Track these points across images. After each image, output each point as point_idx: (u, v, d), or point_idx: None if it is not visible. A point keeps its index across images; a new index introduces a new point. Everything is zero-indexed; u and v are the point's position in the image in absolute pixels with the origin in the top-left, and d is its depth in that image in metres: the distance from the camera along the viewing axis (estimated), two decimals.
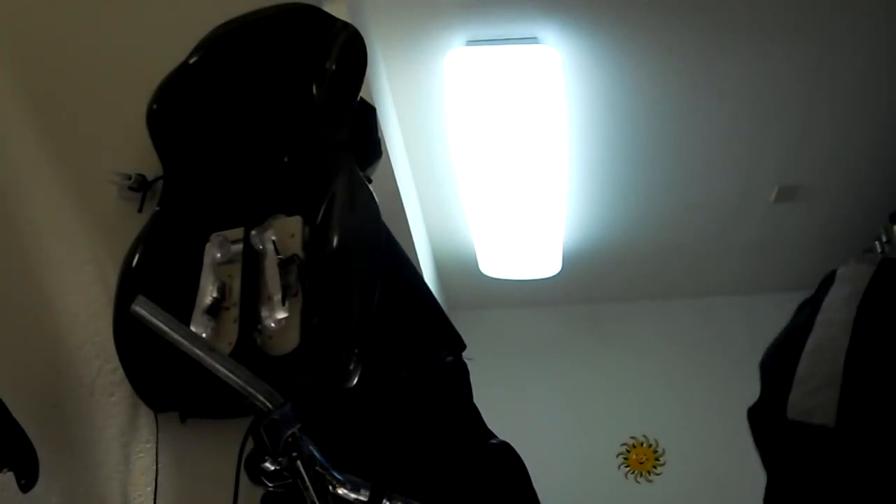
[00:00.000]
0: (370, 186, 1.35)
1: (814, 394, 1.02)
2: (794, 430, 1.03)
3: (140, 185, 1.50)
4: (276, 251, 1.32)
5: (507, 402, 4.11)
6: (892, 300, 1.06)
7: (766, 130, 3.24)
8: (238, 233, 1.37)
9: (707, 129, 3.23)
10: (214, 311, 1.33)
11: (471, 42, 2.74)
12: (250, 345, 1.29)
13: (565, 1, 2.61)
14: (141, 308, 1.12)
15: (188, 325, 1.30)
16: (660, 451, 4.41)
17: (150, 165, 1.50)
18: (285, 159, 1.41)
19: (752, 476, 1.16)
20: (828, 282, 1.18)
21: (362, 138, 1.43)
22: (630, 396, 4.47)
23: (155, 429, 1.41)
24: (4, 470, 1.19)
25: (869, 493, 0.99)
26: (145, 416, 1.43)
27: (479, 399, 1.36)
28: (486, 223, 3.67)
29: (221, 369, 1.10)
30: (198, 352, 1.10)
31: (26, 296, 1.51)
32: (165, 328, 1.12)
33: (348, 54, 1.43)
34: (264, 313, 1.30)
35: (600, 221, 3.81)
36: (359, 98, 1.44)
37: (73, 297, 1.50)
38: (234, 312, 1.32)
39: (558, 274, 4.04)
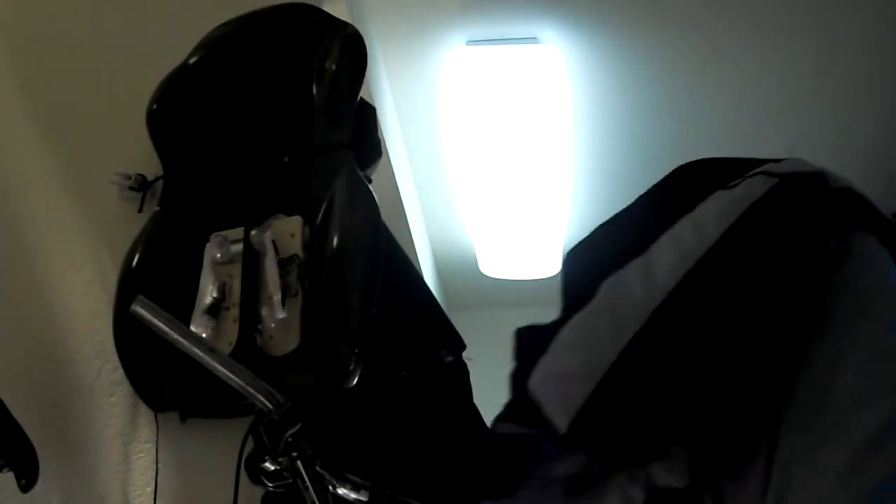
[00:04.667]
0: (370, 186, 1.35)
1: (560, 380, 0.81)
2: (528, 405, 0.83)
3: (140, 185, 1.50)
4: (276, 251, 1.32)
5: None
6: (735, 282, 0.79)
7: (766, 130, 3.23)
8: (238, 233, 1.37)
9: (707, 128, 3.23)
10: (214, 311, 1.33)
11: (471, 42, 2.74)
12: (250, 345, 1.29)
13: (565, 2, 2.61)
14: (141, 308, 1.12)
15: (188, 325, 1.29)
16: None
17: (150, 165, 1.50)
18: (285, 159, 1.41)
19: None
20: (701, 187, 0.90)
21: (362, 138, 1.43)
22: None
23: (155, 429, 1.41)
24: (5, 470, 1.19)
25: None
26: (145, 416, 1.43)
27: (479, 399, 1.36)
28: (486, 223, 3.67)
29: (222, 370, 1.10)
30: (198, 352, 1.10)
31: (27, 296, 1.51)
32: (165, 328, 1.12)
33: (348, 54, 1.43)
34: (264, 313, 1.30)
35: (600, 221, 3.80)
36: (359, 98, 1.44)
37: (73, 297, 1.50)
38: (234, 312, 1.32)
39: (558, 274, 4.03)
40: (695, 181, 0.96)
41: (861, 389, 0.68)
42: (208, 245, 1.38)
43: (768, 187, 0.83)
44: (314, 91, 1.41)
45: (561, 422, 0.79)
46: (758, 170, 0.87)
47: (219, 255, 1.36)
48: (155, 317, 1.12)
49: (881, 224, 0.85)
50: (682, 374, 0.75)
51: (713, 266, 0.78)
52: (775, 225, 0.80)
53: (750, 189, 0.84)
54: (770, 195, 0.82)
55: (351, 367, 1.24)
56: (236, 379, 1.09)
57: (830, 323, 0.74)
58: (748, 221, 0.80)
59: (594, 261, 0.93)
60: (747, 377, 0.74)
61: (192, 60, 1.50)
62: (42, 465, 1.22)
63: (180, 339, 1.11)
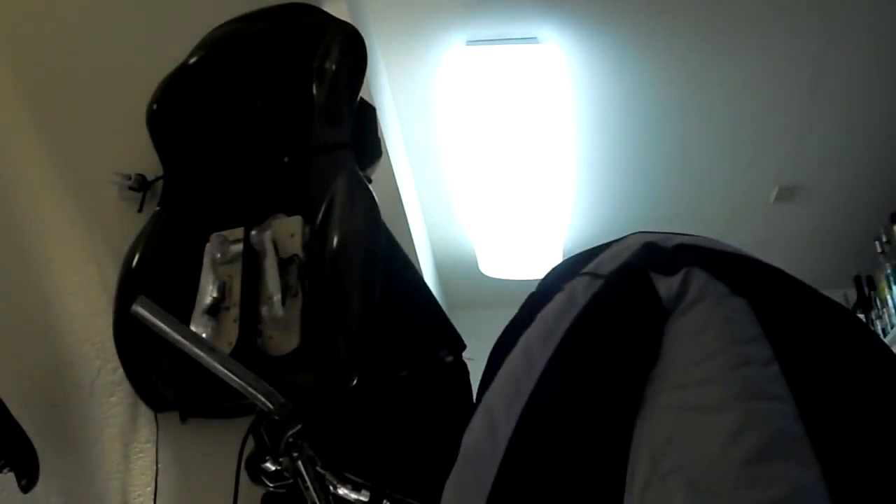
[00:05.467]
0: (370, 186, 1.35)
1: None
2: None
3: (140, 185, 1.50)
4: (276, 251, 1.32)
5: None
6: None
7: (766, 130, 3.24)
8: (238, 233, 1.37)
9: (707, 128, 3.23)
10: (214, 311, 1.33)
11: (471, 42, 2.74)
12: (250, 345, 1.28)
13: (565, 2, 2.61)
14: (142, 308, 1.12)
15: (188, 325, 1.29)
16: None
17: (150, 165, 1.50)
18: (285, 159, 1.41)
19: None
20: (547, 292, 0.88)
21: (362, 138, 1.43)
22: None
23: (155, 429, 1.41)
24: (5, 470, 1.19)
25: None
26: (145, 416, 1.43)
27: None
28: (486, 223, 3.67)
29: (223, 370, 1.10)
30: (199, 352, 1.10)
31: (26, 296, 1.51)
32: (166, 328, 1.11)
33: (348, 54, 1.43)
34: (264, 313, 1.30)
35: (600, 221, 3.81)
36: (359, 98, 1.44)
37: (73, 297, 1.50)
38: (235, 312, 1.32)
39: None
40: (542, 286, 0.95)
41: (695, 421, 0.69)
42: (208, 245, 1.38)
43: (591, 292, 0.82)
44: (314, 91, 1.41)
45: None
46: (584, 269, 0.86)
47: (219, 255, 1.36)
48: (156, 317, 1.12)
49: (716, 258, 0.85)
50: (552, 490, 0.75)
51: (544, 394, 0.78)
52: (599, 327, 0.79)
53: (573, 296, 0.83)
54: (592, 303, 0.81)
55: (351, 367, 1.24)
56: (237, 379, 1.09)
57: (670, 364, 0.74)
58: (572, 338, 0.79)
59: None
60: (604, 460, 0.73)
61: (192, 60, 1.50)
62: (42, 465, 1.22)
63: (181, 339, 1.11)
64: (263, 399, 1.08)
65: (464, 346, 1.38)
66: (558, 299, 0.84)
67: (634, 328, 0.77)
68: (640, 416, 0.72)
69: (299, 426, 1.06)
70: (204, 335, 1.30)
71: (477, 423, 0.83)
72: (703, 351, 0.73)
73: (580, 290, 0.83)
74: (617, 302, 0.80)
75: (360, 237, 1.31)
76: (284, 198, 1.39)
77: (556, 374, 0.78)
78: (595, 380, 0.76)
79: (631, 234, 0.93)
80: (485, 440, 0.80)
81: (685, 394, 0.71)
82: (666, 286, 0.79)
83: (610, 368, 0.76)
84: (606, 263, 0.86)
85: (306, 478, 1.05)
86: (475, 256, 3.97)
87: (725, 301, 0.77)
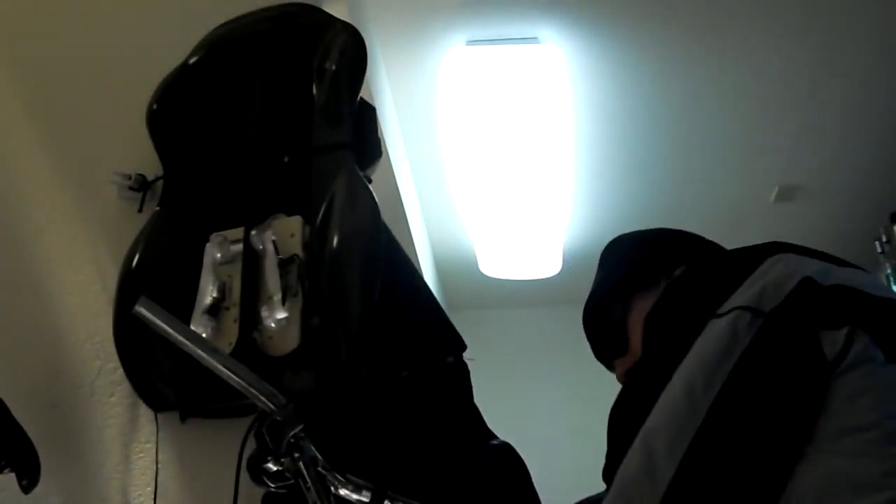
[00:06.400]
0: (370, 186, 1.35)
1: None
2: None
3: (140, 185, 1.50)
4: (276, 251, 1.32)
5: (508, 402, 4.10)
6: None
7: (766, 130, 3.24)
8: (238, 233, 1.37)
9: (708, 128, 3.23)
10: (214, 311, 1.33)
11: (471, 42, 2.74)
12: (250, 345, 1.28)
13: (565, 2, 2.61)
14: (144, 309, 1.12)
15: (188, 325, 1.29)
16: None
17: (150, 165, 1.50)
18: (285, 159, 1.41)
19: None
20: (695, 307, 0.92)
21: (362, 138, 1.43)
22: None
23: (155, 429, 1.41)
24: (6, 471, 1.19)
25: None
26: (145, 416, 1.43)
27: (479, 399, 1.36)
28: (486, 223, 3.67)
29: (225, 371, 1.10)
30: (201, 353, 1.10)
31: (26, 296, 1.51)
32: (168, 329, 1.11)
33: (348, 54, 1.43)
34: (264, 313, 1.30)
35: (600, 221, 3.81)
36: (359, 98, 1.44)
37: (73, 297, 1.50)
38: (234, 312, 1.32)
39: (558, 274, 4.04)
40: (686, 297, 0.99)
41: (853, 479, 0.75)
42: (208, 245, 1.38)
43: (754, 332, 0.85)
44: (314, 91, 1.41)
45: None
46: (743, 303, 0.88)
47: (219, 255, 1.36)
48: (158, 317, 1.12)
49: (876, 314, 0.88)
50: None
51: (708, 439, 0.82)
52: (765, 375, 0.84)
53: (736, 333, 0.86)
54: (756, 345, 0.84)
55: (351, 368, 1.24)
56: (239, 380, 1.09)
57: (827, 425, 0.80)
58: (737, 381, 0.83)
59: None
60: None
61: (192, 60, 1.50)
62: (42, 465, 1.22)
63: (183, 339, 1.11)
64: (265, 400, 1.08)
65: (464, 347, 1.38)
66: (718, 333, 0.86)
67: (801, 389, 0.81)
68: (796, 472, 0.77)
69: (301, 426, 1.06)
70: (204, 335, 1.30)
71: (634, 460, 0.87)
72: (859, 420, 0.79)
73: (743, 329, 0.85)
74: (786, 360, 0.84)
75: (360, 237, 1.31)
76: (284, 198, 1.39)
77: (721, 425, 0.82)
78: (759, 435, 0.81)
79: (776, 253, 0.95)
80: (642, 479, 0.84)
81: (839, 463, 0.76)
82: (830, 341, 0.83)
83: (775, 424, 0.81)
84: (767, 297, 0.88)
85: (307, 478, 1.06)
86: (475, 256, 3.97)
87: (881, 371, 0.82)
